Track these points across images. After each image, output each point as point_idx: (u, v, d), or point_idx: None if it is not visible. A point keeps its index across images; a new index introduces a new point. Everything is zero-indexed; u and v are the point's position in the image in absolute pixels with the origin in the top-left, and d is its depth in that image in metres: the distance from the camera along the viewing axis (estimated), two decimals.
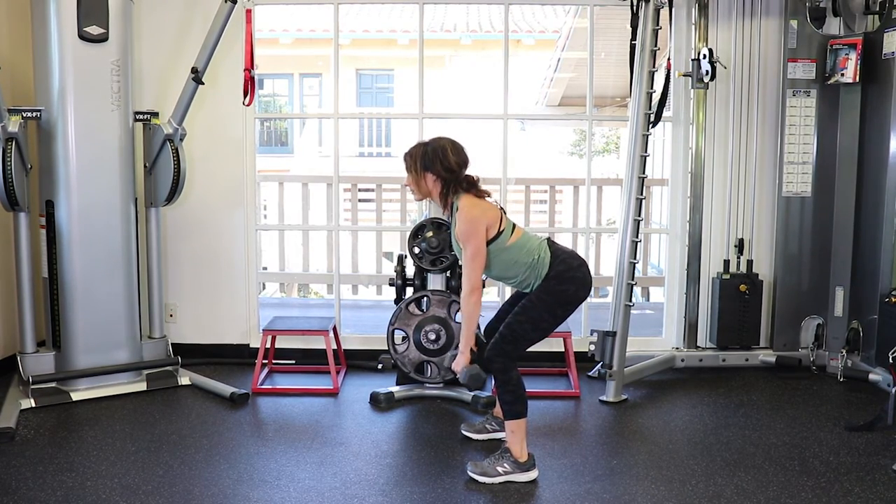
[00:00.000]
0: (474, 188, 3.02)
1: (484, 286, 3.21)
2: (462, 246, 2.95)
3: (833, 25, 4.25)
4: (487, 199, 3.05)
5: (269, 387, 4.09)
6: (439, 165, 2.98)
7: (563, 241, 6.51)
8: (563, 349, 4.14)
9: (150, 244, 4.13)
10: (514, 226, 3.04)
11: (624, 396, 3.91)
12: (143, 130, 4.03)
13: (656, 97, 4.01)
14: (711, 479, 2.98)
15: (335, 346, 4.26)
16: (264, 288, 6.76)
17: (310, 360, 4.39)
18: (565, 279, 2.95)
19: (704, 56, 4.13)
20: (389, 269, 4.51)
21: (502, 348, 2.95)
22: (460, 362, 3.00)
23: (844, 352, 4.17)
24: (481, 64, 11.21)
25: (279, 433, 3.49)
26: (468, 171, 3.04)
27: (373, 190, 6.63)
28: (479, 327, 3.17)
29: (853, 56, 4.07)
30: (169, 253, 4.45)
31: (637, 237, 3.96)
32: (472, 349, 3.01)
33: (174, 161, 3.94)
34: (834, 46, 4.15)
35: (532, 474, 2.97)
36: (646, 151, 3.97)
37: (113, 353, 3.89)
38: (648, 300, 6.63)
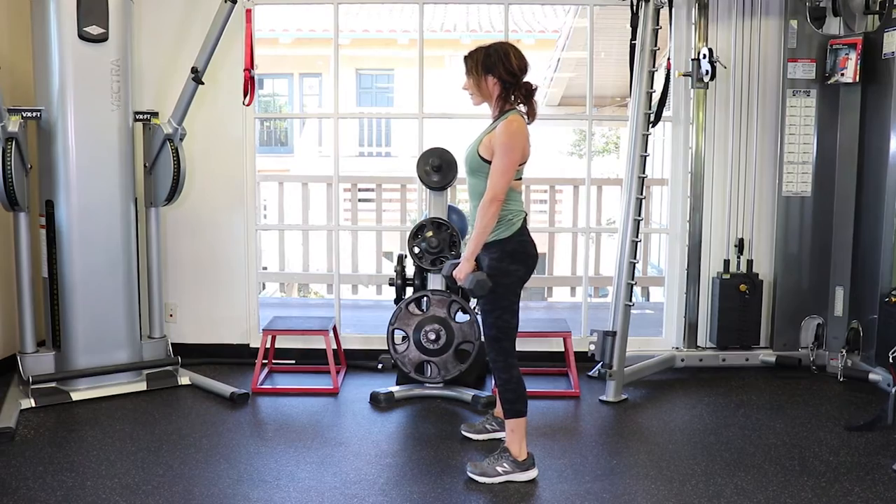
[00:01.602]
0: (531, 99, 2.95)
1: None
2: (498, 156, 2.84)
3: (833, 25, 4.25)
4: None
5: (269, 387, 4.09)
6: (501, 68, 2.91)
7: (563, 240, 6.62)
8: (563, 349, 4.14)
9: (150, 244, 4.13)
10: (521, 179, 3.01)
11: (624, 396, 3.91)
12: (143, 130, 4.03)
13: (656, 97, 4.01)
14: (711, 479, 2.98)
15: (335, 346, 4.26)
16: (264, 288, 6.76)
17: (310, 360, 4.39)
18: (518, 260, 2.94)
19: (704, 56, 4.13)
20: (389, 268, 4.50)
21: (498, 347, 2.96)
22: (464, 269, 2.94)
23: (844, 351, 4.17)
24: None
25: (279, 433, 3.49)
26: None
27: (373, 190, 6.64)
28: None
29: (853, 56, 4.07)
30: (169, 253, 4.44)
31: (637, 237, 3.96)
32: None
33: (174, 161, 3.94)
34: (834, 46, 4.15)
35: (531, 474, 2.97)
36: (646, 151, 3.97)
37: (113, 352, 3.89)
38: (648, 300, 6.63)
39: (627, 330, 3.94)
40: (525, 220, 2.99)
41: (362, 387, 4.05)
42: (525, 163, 2.96)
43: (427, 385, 3.91)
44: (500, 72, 2.91)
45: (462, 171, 3.39)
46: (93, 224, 3.79)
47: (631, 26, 4.04)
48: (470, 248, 2.93)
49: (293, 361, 4.44)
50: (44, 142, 3.74)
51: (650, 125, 3.99)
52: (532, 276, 3.04)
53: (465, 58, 3.01)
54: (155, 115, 4.02)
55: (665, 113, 4.15)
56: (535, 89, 2.97)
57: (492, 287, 2.89)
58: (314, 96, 13.62)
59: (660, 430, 3.55)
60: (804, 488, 2.90)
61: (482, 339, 3.71)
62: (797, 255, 4.38)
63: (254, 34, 4.09)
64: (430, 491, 2.88)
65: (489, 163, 2.87)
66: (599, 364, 4.06)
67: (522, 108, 2.95)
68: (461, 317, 3.89)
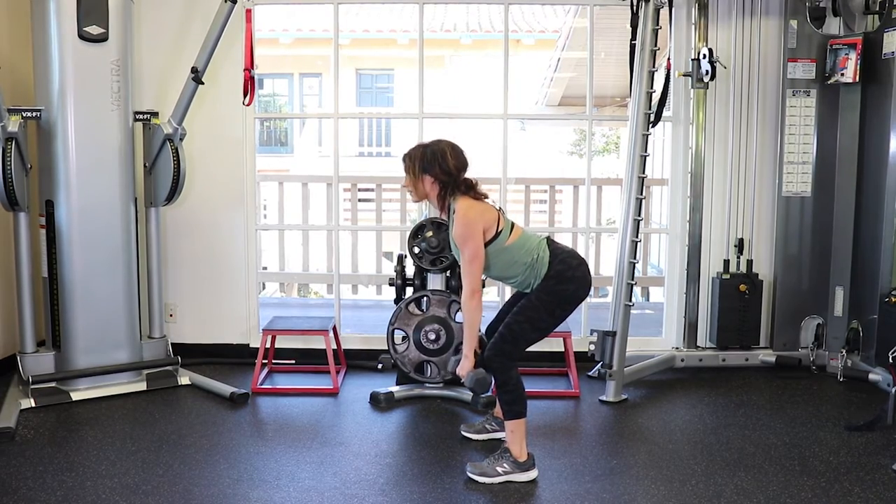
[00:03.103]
0: (472, 191, 3.02)
1: (484, 286, 3.20)
2: (460, 248, 2.94)
3: (833, 25, 4.25)
4: (486, 200, 3.05)
5: (269, 387, 4.09)
6: (438, 168, 2.98)
7: (563, 241, 6.52)
8: (563, 349, 4.14)
9: (150, 244, 4.13)
10: (512, 225, 3.03)
11: (624, 396, 3.91)
12: (143, 130, 4.03)
13: (656, 97, 4.01)
14: (711, 479, 2.98)
15: (335, 346, 4.26)
16: (264, 288, 6.76)
17: (310, 360, 4.39)
18: (564, 279, 2.94)
19: (704, 56, 4.13)
20: (389, 268, 4.51)
21: (502, 348, 2.95)
22: (465, 367, 2.99)
23: (844, 351, 4.17)
24: (481, 64, 11.20)
25: (279, 433, 3.49)
26: (467, 175, 3.04)
27: (373, 190, 6.63)
28: (480, 330, 3.15)
29: (853, 56, 4.07)
30: (169, 253, 4.45)
31: (637, 237, 3.96)
32: (475, 352, 3.00)
33: (174, 161, 3.94)
34: (834, 46, 4.15)
35: (531, 474, 2.97)
36: (646, 151, 3.97)
37: (113, 352, 3.89)
38: (648, 300, 6.63)
39: (627, 330, 3.94)
40: (548, 242, 3.00)
41: (362, 387, 4.05)
42: (499, 217, 2.99)
43: (427, 385, 3.91)
44: (436, 171, 2.99)
45: None
46: (93, 224, 3.79)
47: (631, 26, 4.04)
48: (466, 345, 2.98)
49: (293, 361, 4.44)
50: (44, 142, 3.74)
51: (650, 125, 3.99)
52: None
53: (405, 156, 3.08)
54: (155, 114, 4.02)
55: (665, 113, 4.15)
56: (476, 184, 3.03)
57: (531, 313, 2.91)
58: (314, 96, 13.62)
59: (660, 430, 3.55)
60: (804, 488, 2.90)
61: (482, 339, 3.73)
62: (797, 255, 4.38)
63: (254, 34, 4.09)
64: (429, 491, 2.88)
65: None
66: (599, 364, 4.07)
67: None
68: (461, 317, 3.88)
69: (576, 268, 2.97)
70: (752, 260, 4.37)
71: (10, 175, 3.53)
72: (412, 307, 3.92)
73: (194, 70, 3.87)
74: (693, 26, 4.28)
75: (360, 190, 6.83)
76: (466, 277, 2.92)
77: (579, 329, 4.52)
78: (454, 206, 2.98)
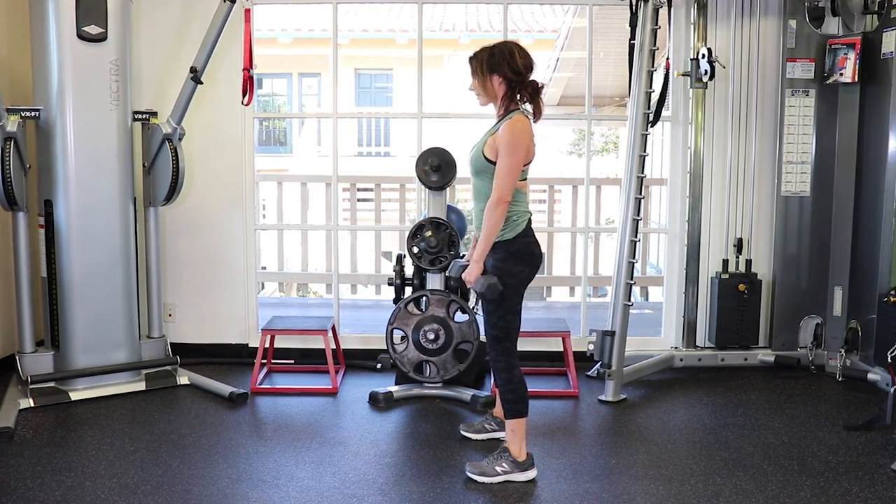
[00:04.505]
0: (538, 95, 2.94)
1: (479, 298, 3.17)
2: (502, 158, 2.83)
3: (832, 25, 4.25)
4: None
5: (268, 386, 4.09)
6: (507, 67, 2.90)
7: (563, 240, 6.62)
8: (561, 349, 4.13)
9: (149, 244, 4.13)
10: (526, 179, 3.00)
11: (623, 396, 3.91)
12: (142, 130, 4.03)
13: (655, 97, 4.01)
14: (710, 479, 2.98)
15: (334, 346, 4.26)
16: (263, 287, 6.75)
17: (309, 360, 4.39)
18: (523, 261, 2.93)
19: (703, 55, 4.13)
20: (388, 268, 4.51)
21: (500, 347, 2.95)
22: (474, 271, 2.92)
23: (843, 351, 4.17)
24: None
25: (278, 433, 3.49)
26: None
27: (372, 189, 6.64)
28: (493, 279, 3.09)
29: (852, 56, 4.07)
30: (168, 252, 4.44)
31: (636, 237, 3.96)
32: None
33: (173, 161, 3.94)
34: (833, 46, 4.15)
35: (531, 474, 2.97)
36: (645, 151, 3.97)
37: (112, 352, 3.89)
38: (647, 300, 6.63)
39: (626, 330, 3.94)
40: (530, 220, 2.99)
41: (361, 387, 4.05)
42: (530, 163, 2.95)
43: (426, 385, 3.91)
44: (505, 71, 2.90)
45: (463, 172, 3.39)
46: (92, 224, 3.79)
47: (630, 26, 4.04)
48: (479, 250, 2.91)
49: (292, 361, 4.44)
50: (42, 141, 3.74)
51: (649, 125, 3.99)
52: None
53: (470, 59, 3.01)
54: (154, 114, 4.02)
55: (664, 113, 4.15)
56: (542, 87, 2.96)
57: (504, 302, 2.90)
58: (313, 96, 13.62)
59: (658, 429, 3.55)
60: (803, 488, 2.90)
61: (481, 338, 3.73)
62: (796, 255, 4.38)
63: (253, 34, 4.08)
64: (429, 491, 2.88)
65: (494, 164, 2.86)
66: (598, 364, 4.07)
67: (528, 107, 2.94)
68: (460, 316, 3.89)
69: (538, 256, 2.98)
70: (750, 260, 4.37)
71: (8, 175, 3.53)
72: (411, 307, 3.92)
73: (193, 70, 3.86)
74: (692, 26, 4.28)
75: (359, 190, 6.83)
76: (499, 183, 2.83)
77: (578, 329, 4.53)
78: (513, 116, 2.89)
